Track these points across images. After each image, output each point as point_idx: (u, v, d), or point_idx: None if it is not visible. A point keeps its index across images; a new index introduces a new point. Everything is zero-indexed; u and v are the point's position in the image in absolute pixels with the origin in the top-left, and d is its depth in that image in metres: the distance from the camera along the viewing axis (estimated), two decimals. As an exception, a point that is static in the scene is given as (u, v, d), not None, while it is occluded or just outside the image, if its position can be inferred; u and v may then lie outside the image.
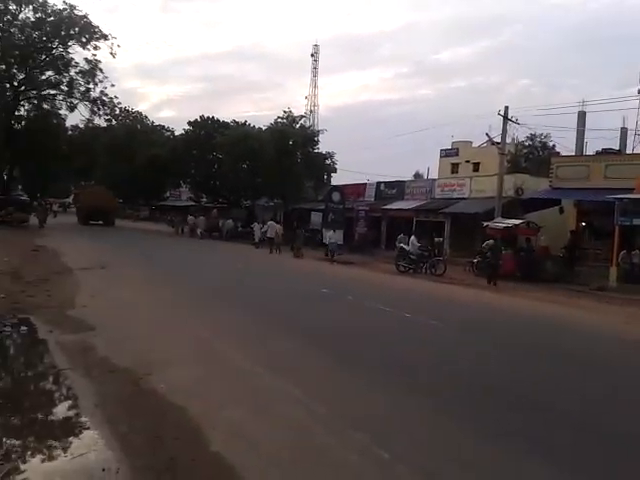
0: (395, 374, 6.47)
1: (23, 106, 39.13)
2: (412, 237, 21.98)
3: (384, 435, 4.52)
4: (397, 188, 35.66)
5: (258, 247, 29.36)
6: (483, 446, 4.44)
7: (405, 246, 21.71)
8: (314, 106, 71.43)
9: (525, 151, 40.02)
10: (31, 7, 36.00)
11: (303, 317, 10.08)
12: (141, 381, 5.67)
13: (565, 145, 61.44)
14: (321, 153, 40.99)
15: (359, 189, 38.63)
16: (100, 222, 39.79)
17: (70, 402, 5.28)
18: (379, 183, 37.74)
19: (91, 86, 38.21)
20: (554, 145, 38.11)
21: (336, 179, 43.43)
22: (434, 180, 34.80)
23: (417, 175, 52.38)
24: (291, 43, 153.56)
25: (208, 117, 44.63)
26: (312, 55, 75.02)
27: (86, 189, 50.20)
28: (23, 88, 37.72)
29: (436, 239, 26.59)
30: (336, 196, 33.76)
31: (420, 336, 9.05)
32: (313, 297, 12.85)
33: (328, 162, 40.96)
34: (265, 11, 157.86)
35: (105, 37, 37.50)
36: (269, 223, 30.46)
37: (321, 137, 41.60)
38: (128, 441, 4.24)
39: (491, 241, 20.41)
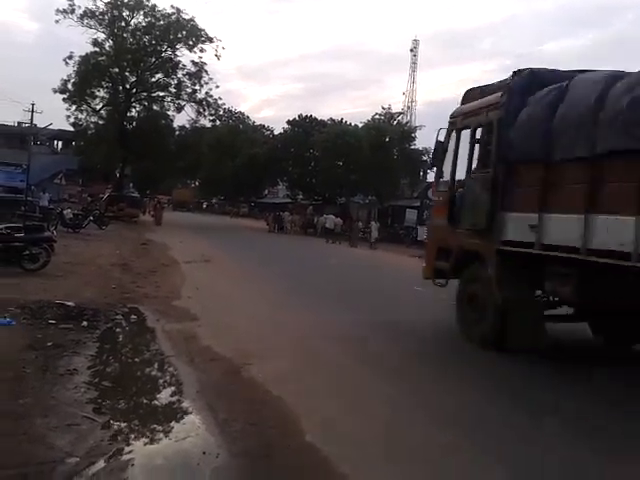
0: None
1: (134, 107, 41.24)
2: None
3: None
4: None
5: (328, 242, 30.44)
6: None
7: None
8: (412, 102, 70.47)
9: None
10: (142, 12, 38.11)
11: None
12: (241, 370, 5.87)
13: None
14: (418, 149, 40.44)
15: (457, 186, 37.61)
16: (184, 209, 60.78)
17: (174, 388, 5.56)
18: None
19: (197, 88, 39.69)
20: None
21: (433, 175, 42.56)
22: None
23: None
24: (390, 39, 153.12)
25: (306, 116, 45.46)
26: (411, 50, 74.03)
27: (177, 190, 72.86)
28: (134, 90, 39.79)
29: None
30: (432, 193, 33.09)
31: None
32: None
33: (425, 158, 40.30)
34: (363, 9, 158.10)
35: (210, 40, 38.87)
36: (329, 216, 33.20)
37: (418, 133, 41.02)
38: (227, 427, 4.40)
39: None
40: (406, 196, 39.87)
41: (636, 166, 5.33)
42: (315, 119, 45.06)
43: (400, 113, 45.51)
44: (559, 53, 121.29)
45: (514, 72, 7.45)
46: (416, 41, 74.63)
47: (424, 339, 8.23)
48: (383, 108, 42.03)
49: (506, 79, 7.64)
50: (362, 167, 36.81)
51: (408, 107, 66.46)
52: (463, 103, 8.84)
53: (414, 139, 40.80)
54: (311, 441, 4.21)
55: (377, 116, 41.87)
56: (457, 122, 8.71)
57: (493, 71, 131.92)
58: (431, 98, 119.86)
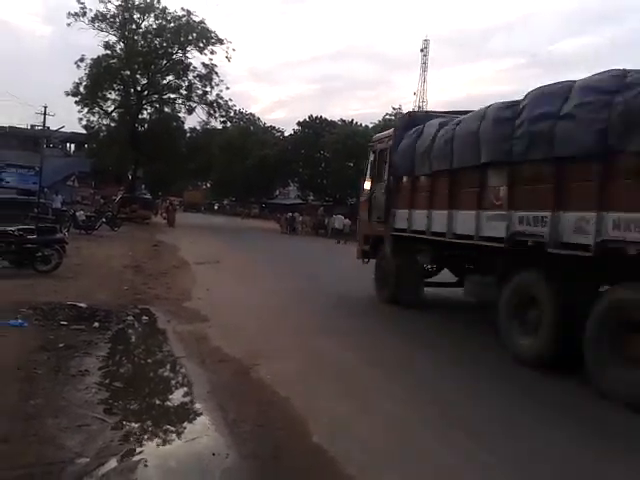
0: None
1: (146, 109, 41.55)
2: None
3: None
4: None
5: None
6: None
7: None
8: (423, 101, 70.27)
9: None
10: (152, 15, 38.38)
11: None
12: (250, 371, 5.89)
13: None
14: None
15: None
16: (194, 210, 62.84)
17: (185, 388, 5.60)
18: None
19: (208, 89, 39.92)
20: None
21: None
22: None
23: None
24: (400, 40, 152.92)
25: (316, 117, 45.55)
26: (421, 50, 73.98)
27: (188, 191, 73.42)
28: (146, 92, 40.16)
29: None
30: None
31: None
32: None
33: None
34: (373, 10, 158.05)
35: (221, 41, 39.08)
36: (337, 216, 34.28)
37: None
38: (236, 428, 4.41)
39: None
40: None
41: (446, 179, 8.44)
42: (325, 120, 45.15)
43: (411, 113, 45.36)
44: (574, 51, 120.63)
45: (397, 114, 13.34)
46: (426, 41, 74.62)
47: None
48: (394, 108, 42.19)
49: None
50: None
51: (419, 107, 66.24)
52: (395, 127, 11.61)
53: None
54: (318, 442, 4.21)
55: (388, 116, 41.85)
56: (374, 145, 12.04)
57: (507, 70, 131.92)
58: (443, 98, 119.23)
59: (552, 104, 6.23)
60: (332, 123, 44.34)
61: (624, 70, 5.75)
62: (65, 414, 4.40)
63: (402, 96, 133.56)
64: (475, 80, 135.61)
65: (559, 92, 6.28)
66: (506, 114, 6.99)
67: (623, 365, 5.31)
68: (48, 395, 4.74)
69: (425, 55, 73.86)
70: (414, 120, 10.40)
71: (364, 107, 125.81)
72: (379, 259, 11.19)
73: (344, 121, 44.56)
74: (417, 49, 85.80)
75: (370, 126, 41.36)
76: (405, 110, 43.22)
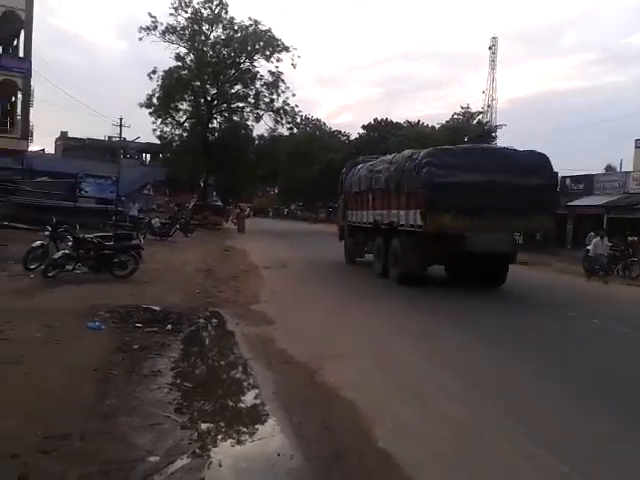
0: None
1: (215, 119, 42.70)
2: (596, 238, 19.13)
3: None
4: (585, 183, 32.70)
5: None
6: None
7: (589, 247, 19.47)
8: (492, 100, 68.23)
9: None
10: (221, 26, 39.39)
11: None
12: (315, 373, 5.91)
13: None
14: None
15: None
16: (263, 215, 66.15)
17: (252, 390, 5.67)
18: (564, 178, 34.78)
19: (274, 97, 40.54)
20: None
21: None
22: (628, 173, 31.20)
23: (609, 168, 47.28)
24: (465, 39, 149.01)
25: (382, 119, 45.34)
26: (490, 48, 71.59)
27: (257, 198, 77.72)
28: (215, 102, 41.21)
29: (630, 238, 23.86)
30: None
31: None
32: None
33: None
34: (437, 10, 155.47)
35: (287, 49, 39.59)
36: None
37: (499, 131, 39.78)
38: (301, 430, 4.43)
39: None
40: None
41: (359, 196, 16.53)
42: (391, 122, 44.84)
43: (480, 112, 44.24)
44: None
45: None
46: (495, 38, 72.04)
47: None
48: (462, 107, 41.19)
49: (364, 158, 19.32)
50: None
51: (488, 105, 64.27)
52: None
53: (495, 138, 39.62)
54: (384, 447, 4.16)
55: (456, 116, 41.07)
56: (342, 174, 19.59)
57: (579, 66, 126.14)
58: (513, 95, 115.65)
59: (383, 165, 14.70)
60: (398, 125, 43.95)
61: (412, 151, 13.54)
62: (138, 413, 4.56)
63: (470, 95, 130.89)
64: (545, 77, 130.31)
65: (386, 161, 14.72)
66: (370, 168, 15.73)
67: (393, 266, 13.58)
68: (122, 395, 4.93)
69: (494, 53, 71.52)
70: (357, 162, 18.62)
71: (430, 108, 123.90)
72: (345, 240, 19.08)
73: (410, 123, 44.05)
74: (485, 47, 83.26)
75: (437, 127, 40.72)
76: (474, 109, 42.47)
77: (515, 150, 13.78)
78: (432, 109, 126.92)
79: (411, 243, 12.57)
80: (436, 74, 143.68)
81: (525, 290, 13.84)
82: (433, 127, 41.13)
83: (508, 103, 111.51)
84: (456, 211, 11.52)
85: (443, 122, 41.05)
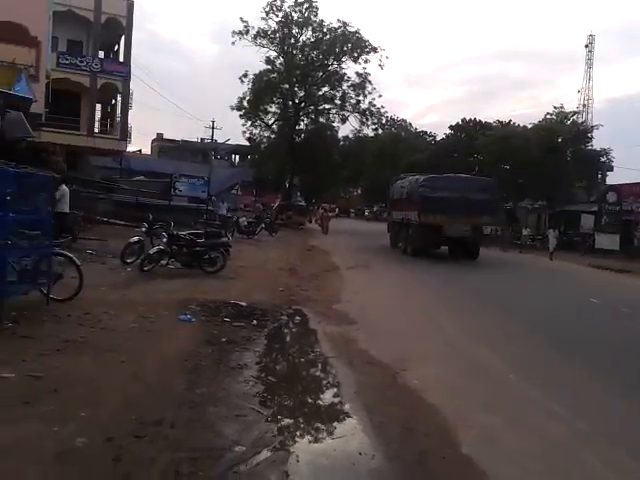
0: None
1: (302, 120, 43.31)
2: None
3: None
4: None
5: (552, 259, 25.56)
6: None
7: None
8: (588, 100, 64.62)
9: None
10: (310, 28, 39.86)
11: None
12: (397, 375, 5.90)
13: None
14: (595, 150, 37.17)
15: (641, 189, 34.20)
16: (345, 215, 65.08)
17: (333, 388, 5.73)
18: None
19: (361, 98, 40.78)
20: None
21: (612, 178, 38.89)
22: None
23: None
24: (560, 37, 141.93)
25: (470, 119, 44.16)
26: (586, 46, 67.81)
27: (340, 198, 75.82)
28: (303, 104, 41.85)
29: None
30: (612, 197, 30.38)
31: None
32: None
33: (603, 160, 36.93)
34: (528, 7, 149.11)
35: (375, 50, 39.61)
36: None
37: (596, 132, 37.63)
38: (382, 430, 4.43)
39: None
40: (581, 200, 36.75)
41: (397, 201, 25.53)
42: (480, 122, 43.54)
43: (575, 112, 42.00)
44: None
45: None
46: (592, 36, 68.12)
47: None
48: (555, 107, 39.28)
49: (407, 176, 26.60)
50: (530, 170, 34.71)
51: (584, 105, 60.86)
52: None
53: (590, 139, 37.54)
54: (468, 453, 4.08)
55: (549, 116, 39.24)
56: (391, 183, 27.47)
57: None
58: (610, 95, 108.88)
59: (405, 183, 24.35)
60: (487, 125, 42.61)
61: (417, 177, 23.16)
62: (224, 404, 4.74)
63: (565, 95, 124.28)
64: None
65: (407, 181, 24.44)
66: (401, 184, 25.06)
67: (409, 244, 22.15)
68: (210, 385, 5.14)
69: (590, 51, 67.52)
70: (398, 178, 26.56)
71: (522, 108, 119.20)
72: (391, 230, 25.93)
73: (500, 122, 42.57)
74: (580, 46, 78.91)
75: (529, 127, 39.07)
76: (568, 109, 40.49)
77: (475, 177, 28.28)
78: (524, 109, 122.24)
79: (415, 231, 21.06)
80: (528, 73, 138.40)
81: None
82: (525, 127, 39.46)
83: (605, 103, 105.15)
84: (438, 212, 20.04)
85: (535, 122, 39.32)
